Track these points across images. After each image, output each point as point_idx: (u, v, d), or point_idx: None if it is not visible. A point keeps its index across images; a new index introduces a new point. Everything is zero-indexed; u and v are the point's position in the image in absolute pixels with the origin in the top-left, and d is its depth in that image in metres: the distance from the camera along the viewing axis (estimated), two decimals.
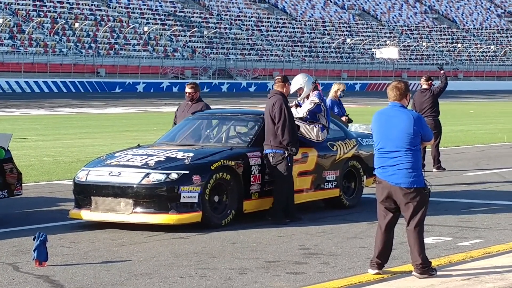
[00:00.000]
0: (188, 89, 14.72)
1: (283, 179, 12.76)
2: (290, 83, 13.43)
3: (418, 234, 9.10)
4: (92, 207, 12.20)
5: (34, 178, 17.50)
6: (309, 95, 13.71)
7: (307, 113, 13.53)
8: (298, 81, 13.77)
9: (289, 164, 12.76)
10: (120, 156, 12.76)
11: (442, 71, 19.92)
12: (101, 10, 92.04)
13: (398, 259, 9.88)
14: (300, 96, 13.79)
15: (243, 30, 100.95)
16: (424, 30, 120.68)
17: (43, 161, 21.05)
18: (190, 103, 14.65)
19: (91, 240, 11.32)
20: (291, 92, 13.51)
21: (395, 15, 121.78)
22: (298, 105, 13.70)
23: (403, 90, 9.24)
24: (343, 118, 16.31)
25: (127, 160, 12.46)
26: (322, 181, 13.64)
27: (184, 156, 12.38)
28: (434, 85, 19.43)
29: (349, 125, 15.90)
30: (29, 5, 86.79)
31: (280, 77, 13.26)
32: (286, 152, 12.75)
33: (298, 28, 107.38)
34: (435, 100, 18.94)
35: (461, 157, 22.84)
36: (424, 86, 19.03)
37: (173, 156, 12.44)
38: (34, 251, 9.63)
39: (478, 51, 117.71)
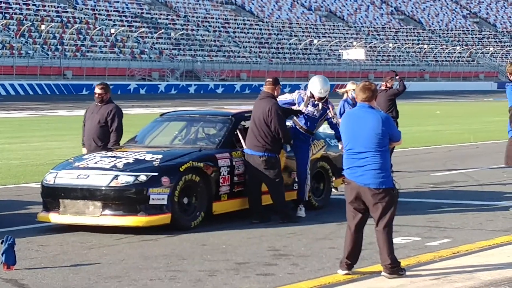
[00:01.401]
0: (97, 90, 13.74)
1: (275, 182, 12.82)
2: (281, 86, 13.46)
3: (387, 234, 9.13)
4: (61, 210, 12.13)
5: (1, 181, 17.40)
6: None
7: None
8: (323, 89, 13.52)
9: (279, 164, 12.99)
10: (89, 158, 12.71)
11: (397, 77, 19.86)
12: (67, 12, 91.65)
13: (368, 260, 9.91)
14: (311, 101, 13.64)
15: (210, 32, 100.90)
16: (391, 31, 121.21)
17: (10, 164, 20.92)
18: (100, 104, 13.73)
19: (59, 243, 11.26)
20: (312, 94, 13.51)
21: (361, 17, 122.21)
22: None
23: (373, 91, 9.28)
24: None
25: (96, 163, 12.41)
26: (291, 182, 13.64)
27: (152, 158, 12.35)
28: (392, 86, 19.29)
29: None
30: None
31: (271, 80, 13.28)
32: (277, 155, 12.82)
33: (265, 29, 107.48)
34: (391, 102, 18.84)
35: (428, 158, 22.97)
36: (382, 87, 18.92)
37: (142, 158, 12.40)
38: (2, 254, 9.56)
39: (444, 52, 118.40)
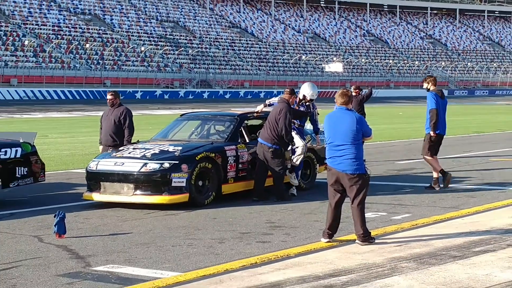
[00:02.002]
0: (108, 96, 13.62)
1: (279, 169, 12.79)
2: (297, 96, 13.39)
3: (360, 210, 9.11)
4: (101, 191, 12.13)
5: (54, 167, 17.38)
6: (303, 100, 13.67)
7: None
8: (313, 93, 13.59)
9: (284, 156, 12.93)
10: (123, 149, 12.70)
11: (361, 91, 19.61)
12: (106, 33, 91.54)
13: (345, 230, 9.89)
14: (302, 102, 13.63)
15: (220, 50, 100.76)
16: (363, 49, 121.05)
17: (61, 154, 20.91)
18: (111, 108, 13.56)
19: (100, 217, 11.25)
20: (304, 97, 13.48)
21: (340, 38, 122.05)
22: (270, 105, 13.72)
23: (349, 97, 9.27)
24: None
25: (129, 153, 12.39)
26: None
27: (174, 149, 12.33)
28: (362, 92, 19.23)
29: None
30: (49, 29, 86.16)
31: (289, 89, 13.23)
32: (282, 148, 12.80)
33: (264, 48, 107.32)
34: (361, 105, 18.80)
35: (393, 149, 22.93)
36: (353, 93, 18.73)
37: (166, 149, 12.39)
38: (54, 226, 9.57)
39: (405, 66, 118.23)
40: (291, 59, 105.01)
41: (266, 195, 12.89)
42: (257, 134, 13.77)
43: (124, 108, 13.52)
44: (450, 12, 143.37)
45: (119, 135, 13.43)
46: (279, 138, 12.78)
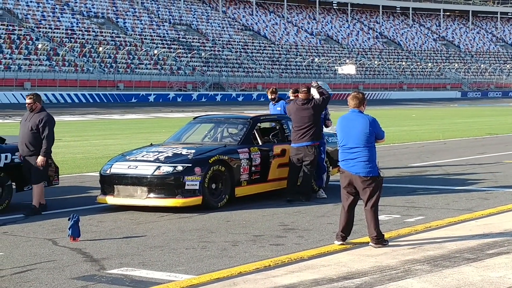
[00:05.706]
0: (27, 100, 12.01)
1: (312, 168, 12.94)
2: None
3: (373, 212, 9.10)
4: (115, 194, 12.16)
5: (68, 171, 17.44)
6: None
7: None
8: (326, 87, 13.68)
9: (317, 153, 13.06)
10: (137, 152, 12.73)
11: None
12: (120, 37, 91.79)
13: (358, 233, 9.89)
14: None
15: (232, 52, 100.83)
16: (376, 51, 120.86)
17: (74, 157, 20.98)
18: (31, 113, 11.96)
19: (114, 220, 11.28)
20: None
21: (353, 40, 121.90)
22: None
23: (361, 99, 9.25)
24: None
25: (142, 156, 12.42)
26: None
27: (187, 152, 12.36)
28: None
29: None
30: (62, 33, 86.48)
31: (306, 89, 13.15)
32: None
33: (276, 50, 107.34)
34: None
35: (406, 152, 22.89)
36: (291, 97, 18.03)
37: (179, 152, 12.41)
38: (69, 229, 9.61)
39: (418, 68, 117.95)
40: (304, 62, 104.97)
41: (299, 196, 12.97)
42: (270, 136, 13.78)
43: (45, 115, 11.88)
44: (463, 13, 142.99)
45: (37, 145, 11.79)
46: (318, 133, 12.88)
